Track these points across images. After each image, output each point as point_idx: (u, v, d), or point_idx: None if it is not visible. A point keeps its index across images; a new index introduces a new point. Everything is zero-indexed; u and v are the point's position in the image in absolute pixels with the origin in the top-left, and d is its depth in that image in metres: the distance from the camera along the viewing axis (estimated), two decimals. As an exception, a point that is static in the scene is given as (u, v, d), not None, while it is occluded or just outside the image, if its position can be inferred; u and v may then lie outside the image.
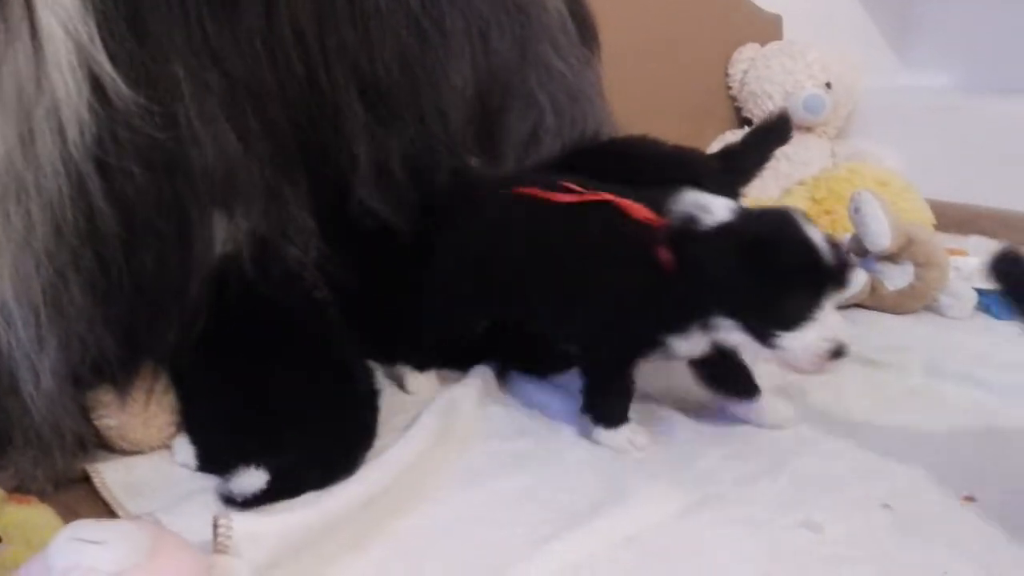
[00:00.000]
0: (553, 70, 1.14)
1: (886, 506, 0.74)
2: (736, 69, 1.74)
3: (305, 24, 0.81)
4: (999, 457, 0.82)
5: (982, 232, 1.57)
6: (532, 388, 0.94)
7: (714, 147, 1.72)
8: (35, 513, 0.70)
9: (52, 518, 0.70)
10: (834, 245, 0.77)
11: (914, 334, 1.12)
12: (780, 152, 1.70)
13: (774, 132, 1.09)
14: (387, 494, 0.72)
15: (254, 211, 0.79)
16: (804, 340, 0.74)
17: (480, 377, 0.94)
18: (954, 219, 1.59)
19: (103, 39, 0.71)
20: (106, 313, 0.76)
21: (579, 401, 0.85)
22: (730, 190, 1.09)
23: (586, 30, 1.17)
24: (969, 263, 1.20)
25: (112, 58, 0.71)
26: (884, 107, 1.85)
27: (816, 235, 0.75)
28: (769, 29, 1.80)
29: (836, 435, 0.85)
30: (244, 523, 0.63)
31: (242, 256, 0.78)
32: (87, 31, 0.70)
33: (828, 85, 1.68)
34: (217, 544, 0.62)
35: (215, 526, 0.62)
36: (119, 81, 0.70)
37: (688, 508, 0.73)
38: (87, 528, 0.56)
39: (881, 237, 1.15)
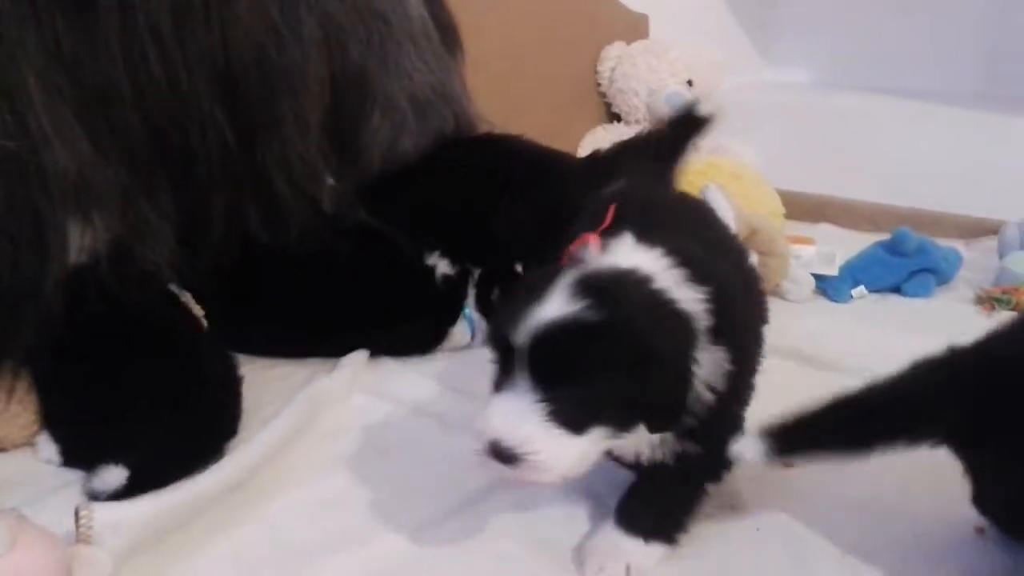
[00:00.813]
0: (415, 74, 1.18)
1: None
2: (604, 67, 1.82)
3: (162, 26, 0.83)
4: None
5: (830, 220, 1.70)
6: (396, 377, 0.99)
7: (585, 141, 1.80)
8: None
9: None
10: None
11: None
12: (646, 145, 1.79)
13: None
14: (255, 478, 0.75)
15: (110, 215, 0.80)
16: None
17: (349, 367, 0.98)
18: (805, 208, 1.70)
19: None
20: None
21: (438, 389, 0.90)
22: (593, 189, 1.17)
23: (448, 34, 1.22)
24: (808, 252, 1.31)
25: None
26: (745, 103, 1.96)
27: None
28: (636, 28, 1.88)
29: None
30: (105, 513, 0.65)
31: (100, 258, 0.79)
32: None
33: (690, 82, 1.77)
34: (79, 534, 0.64)
35: (76, 517, 0.65)
36: None
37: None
38: (-54, 520, 0.58)
39: (727, 227, 1.24)
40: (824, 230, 1.65)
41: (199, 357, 0.82)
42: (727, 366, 0.63)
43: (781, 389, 0.96)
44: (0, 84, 0.74)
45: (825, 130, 1.86)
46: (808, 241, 1.45)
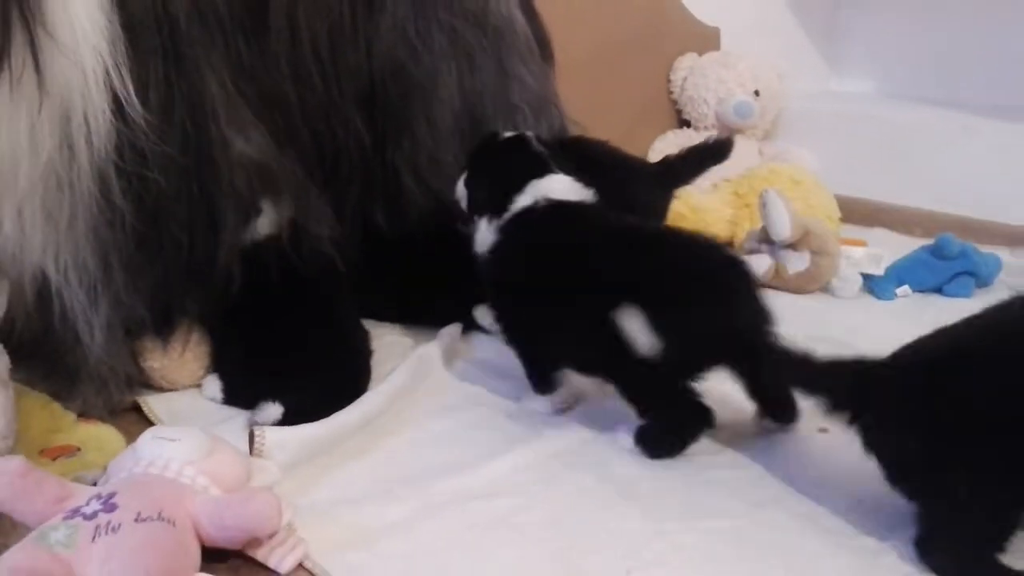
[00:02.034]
0: (525, 81, 1.35)
1: (755, 432, 0.97)
2: (676, 76, 1.96)
3: (321, 46, 1.02)
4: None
5: (885, 225, 1.81)
6: (485, 345, 1.16)
7: (656, 145, 1.94)
8: (102, 430, 0.91)
9: (115, 434, 0.91)
10: None
11: (806, 309, 1.35)
12: (712, 149, 1.94)
13: (711, 152, 1.31)
14: (379, 419, 0.94)
15: (290, 200, 0.99)
16: None
17: (448, 336, 1.16)
18: (861, 213, 1.82)
19: (130, 66, 0.88)
20: (141, 284, 0.96)
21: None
22: (663, 191, 1.33)
23: (544, 47, 1.39)
24: (857, 252, 1.44)
25: (138, 82, 0.88)
26: (810, 111, 2.08)
27: None
28: (708, 40, 2.02)
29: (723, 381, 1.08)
30: (273, 434, 0.84)
31: (280, 236, 0.99)
32: (114, 59, 0.87)
33: (756, 92, 1.91)
34: (254, 449, 0.83)
35: (251, 436, 0.83)
36: (136, 103, 0.87)
37: (594, 437, 0.96)
38: (165, 430, 0.77)
39: (782, 229, 1.38)
40: (878, 234, 1.76)
41: (345, 323, 1.01)
42: None
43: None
44: (187, 95, 0.94)
45: (884, 139, 1.96)
46: (861, 243, 1.57)
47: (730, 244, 1.63)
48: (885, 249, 1.51)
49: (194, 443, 0.75)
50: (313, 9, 1.07)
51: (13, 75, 0.82)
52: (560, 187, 1.00)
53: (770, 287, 1.41)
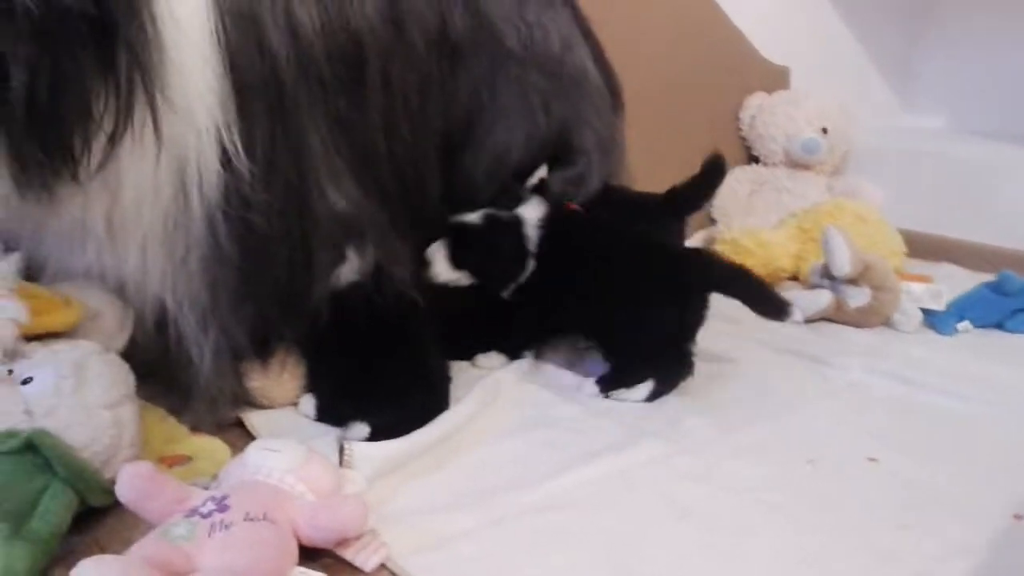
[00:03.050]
0: (596, 127, 1.45)
1: (810, 461, 1.03)
2: (746, 114, 2.03)
3: (411, 99, 1.13)
4: (901, 429, 1.10)
5: (952, 260, 1.84)
6: (554, 372, 1.25)
7: (726, 180, 2.00)
8: (212, 441, 1.02)
9: (222, 445, 1.01)
10: None
11: (867, 343, 1.40)
12: (782, 186, 2.01)
13: (710, 173, 1.40)
14: (453, 438, 1.03)
15: (374, 247, 1.10)
16: None
17: (517, 364, 1.25)
18: (929, 248, 1.86)
19: (239, 124, 0.98)
20: (243, 314, 1.07)
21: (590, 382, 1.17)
22: (674, 221, 1.40)
23: (615, 95, 1.48)
24: (917, 288, 1.47)
25: (246, 137, 0.99)
26: (880, 147, 2.12)
27: None
28: (777, 79, 2.08)
29: (786, 411, 1.15)
30: (360, 449, 0.94)
31: (367, 277, 1.10)
32: (225, 118, 0.97)
33: (824, 130, 1.96)
34: (343, 462, 0.93)
35: (341, 450, 0.94)
36: (243, 157, 0.98)
37: (664, 455, 1.03)
38: (269, 442, 0.88)
39: (843, 264, 1.43)
40: (946, 269, 1.79)
41: (424, 353, 1.11)
42: None
43: (880, 402, 1.18)
44: (290, 149, 1.06)
45: (952, 175, 1.98)
46: (926, 279, 1.61)
47: (795, 278, 1.69)
48: (952, 284, 1.55)
49: (294, 454, 0.86)
50: (405, 65, 1.19)
51: (135, 132, 0.94)
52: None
53: (832, 320, 1.47)
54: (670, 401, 1.17)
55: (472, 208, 1.23)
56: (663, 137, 1.86)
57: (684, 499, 0.95)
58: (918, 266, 1.75)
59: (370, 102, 1.12)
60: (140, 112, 0.93)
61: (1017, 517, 0.92)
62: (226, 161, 0.99)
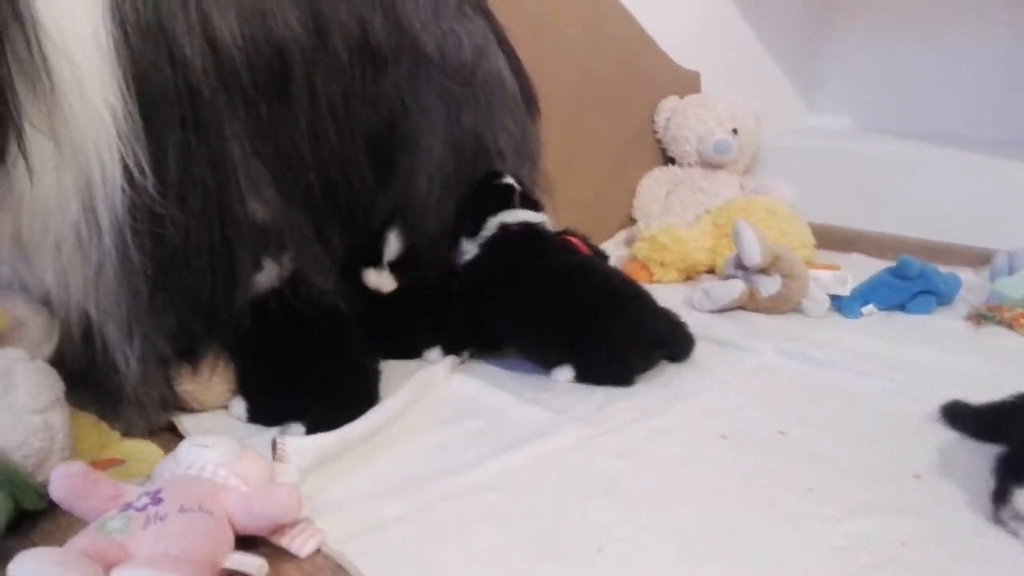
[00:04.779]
0: (511, 132, 1.50)
1: (724, 436, 1.09)
2: (660, 117, 2.10)
3: (337, 106, 1.17)
4: (808, 406, 1.17)
5: (860, 250, 1.94)
6: (482, 368, 1.30)
7: (643, 182, 2.08)
8: (144, 445, 1.04)
9: (155, 448, 1.03)
10: None
11: (779, 328, 1.47)
12: (697, 185, 2.09)
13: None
14: (385, 431, 1.06)
15: (293, 255, 1.13)
16: None
17: (447, 360, 1.28)
18: (838, 239, 1.96)
19: (146, 139, 0.99)
20: (164, 324, 1.08)
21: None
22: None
23: (530, 101, 1.53)
24: (824, 276, 1.56)
25: (154, 151, 0.99)
26: (788, 147, 2.22)
27: None
28: (689, 84, 2.16)
29: (703, 392, 1.21)
30: (292, 442, 0.96)
31: (284, 285, 1.12)
32: (128, 134, 0.97)
33: (735, 131, 2.04)
34: (276, 455, 0.95)
35: (274, 445, 0.96)
36: (148, 174, 0.98)
37: (589, 437, 1.08)
38: (201, 439, 0.90)
39: (754, 255, 1.50)
40: (854, 258, 1.89)
41: (351, 350, 1.14)
42: None
43: (789, 381, 1.25)
44: (208, 158, 1.07)
45: (857, 171, 2.09)
46: (834, 267, 1.70)
47: (711, 271, 1.76)
48: (858, 271, 1.64)
49: (226, 449, 0.88)
50: (329, 73, 1.22)
51: (27, 152, 0.92)
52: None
53: (745, 309, 1.54)
54: (596, 389, 1.22)
55: (420, 214, 1.28)
56: (581, 143, 1.93)
57: (607, 476, 1.00)
58: (827, 256, 1.84)
59: (295, 110, 1.15)
60: (41, 120, 0.93)
61: (916, 477, 0.99)
62: (130, 178, 0.99)
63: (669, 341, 1.28)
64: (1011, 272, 1.54)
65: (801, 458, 1.04)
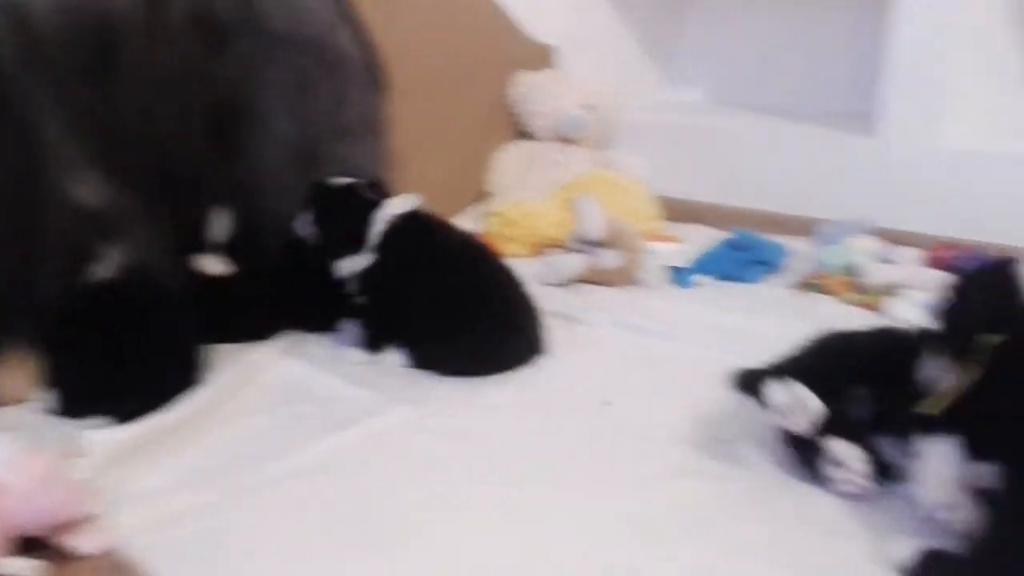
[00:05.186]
0: (361, 107, 1.47)
1: (550, 411, 1.10)
2: (515, 92, 2.10)
3: (169, 84, 1.11)
4: (635, 375, 1.20)
5: (704, 222, 1.98)
6: (315, 347, 1.28)
7: (501, 156, 2.08)
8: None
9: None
10: None
11: (620, 300, 1.49)
12: (553, 160, 2.09)
13: None
14: (196, 419, 1.03)
15: (129, 240, 1.07)
16: None
17: (278, 344, 1.26)
18: (685, 211, 1.99)
19: None
20: None
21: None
22: None
23: (378, 76, 1.51)
24: (662, 248, 1.60)
25: None
26: (641, 121, 2.25)
27: None
28: (544, 58, 2.16)
29: (537, 368, 1.23)
30: (92, 436, 0.92)
31: (120, 272, 1.07)
32: None
33: (589, 107, 2.05)
34: (72, 450, 0.91)
35: (71, 438, 0.91)
36: None
37: (418, 418, 1.08)
38: (-20, 438, 0.84)
39: (595, 230, 1.52)
40: (698, 230, 1.93)
41: (175, 341, 1.10)
42: None
43: (620, 352, 1.27)
44: (15, 140, 1.01)
45: (707, 144, 2.14)
46: (674, 240, 1.74)
47: (559, 245, 1.78)
48: (704, 243, 1.68)
49: (3, 447, 0.83)
50: (164, 47, 1.16)
51: None
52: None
53: (589, 282, 1.56)
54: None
55: (270, 191, 1.24)
56: (436, 118, 1.90)
57: (434, 455, 1.00)
58: (675, 228, 1.88)
59: (122, 88, 1.09)
60: None
61: (727, 441, 1.02)
62: None
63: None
64: (835, 242, 1.60)
65: (622, 429, 1.06)
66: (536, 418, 1.09)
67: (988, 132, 1.83)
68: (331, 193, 1.27)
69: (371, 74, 1.54)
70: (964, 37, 1.79)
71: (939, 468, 0.81)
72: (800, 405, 0.91)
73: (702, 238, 1.82)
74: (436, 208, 1.48)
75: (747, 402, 0.98)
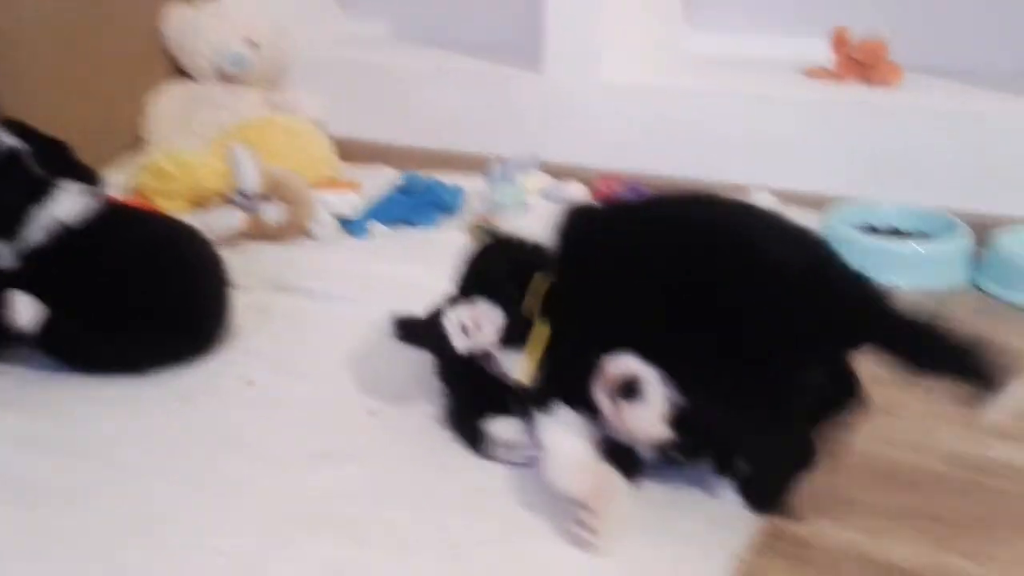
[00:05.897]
0: None
1: (182, 397, 1.00)
2: (168, 27, 1.88)
3: None
4: (282, 349, 1.12)
5: (388, 163, 1.91)
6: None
7: (156, 100, 1.87)
8: None
9: None
10: None
11: (288, 257, 1.39)
12: (219, 102, 1.92)
13: None
14: None
15: None
16: None
17: None
18: (366, 153, 1.91)
19: None
20: None
21: None
22: None
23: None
24: (332, 198, 1.51)
25: None
26: (319, 58, 2.12)
27: None
28: (202, -10, 1.96)
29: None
30: None
31: None
32: None
33: (254, 43, 1.89)
34: None
35: None
36: None
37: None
38: None
39: (251, 182, 1.41)
40: (381, 171, 1.86)
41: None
42: None
43: (273, 320, 1.17)
44: None
45: (387, 82, 2.06)
46: (352, 185, 1.66)
47: (222, 197, 1.63)
48: (384, 186, 1.60)
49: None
50: None
51: None
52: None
53: (252, 239, 1.44)
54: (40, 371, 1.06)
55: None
56: (79, 60, 1.67)
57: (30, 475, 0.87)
58: (356, 171, 1.79)
59: None
60: None
61: (371, 413, 0.97)
62: None
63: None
64: (508, 179, 1.60)
65: (262, 409, 0.98)
66: (163, 407, 0.99)
67: (648, 66, 1.91)
68: None
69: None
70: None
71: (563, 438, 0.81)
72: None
73: (385, 181, 1.75)
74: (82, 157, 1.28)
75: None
